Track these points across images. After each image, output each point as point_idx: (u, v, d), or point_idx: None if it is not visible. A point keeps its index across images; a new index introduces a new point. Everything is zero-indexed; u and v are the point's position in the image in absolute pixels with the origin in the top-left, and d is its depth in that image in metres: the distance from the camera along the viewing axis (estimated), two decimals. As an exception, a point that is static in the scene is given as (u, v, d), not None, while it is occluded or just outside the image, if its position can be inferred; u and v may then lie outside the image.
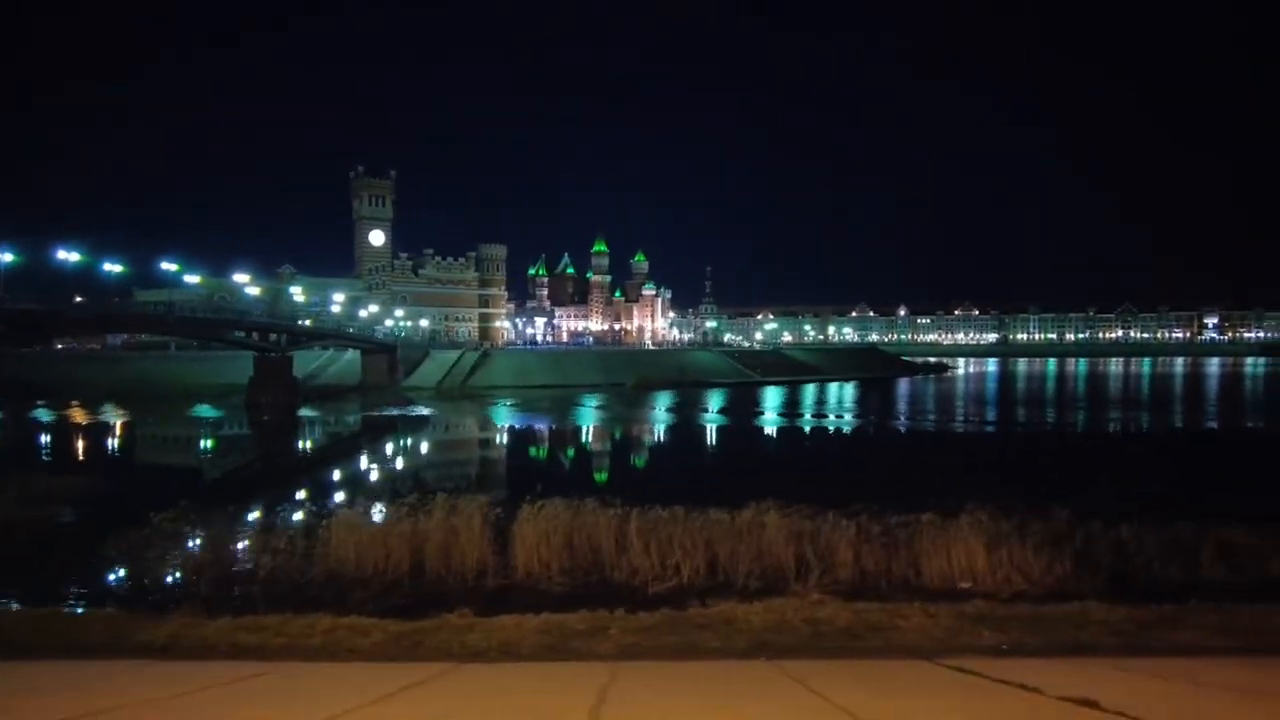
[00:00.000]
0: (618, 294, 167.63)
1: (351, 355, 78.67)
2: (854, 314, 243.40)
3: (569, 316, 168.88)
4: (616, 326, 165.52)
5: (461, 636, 10.91)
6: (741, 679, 8.02)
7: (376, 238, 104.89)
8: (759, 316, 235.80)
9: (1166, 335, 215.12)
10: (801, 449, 43.30)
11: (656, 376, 79.24)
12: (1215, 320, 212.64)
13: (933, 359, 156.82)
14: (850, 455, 41.23)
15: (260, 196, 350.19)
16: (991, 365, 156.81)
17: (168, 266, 61.41)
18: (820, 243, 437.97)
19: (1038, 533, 16.80)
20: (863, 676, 7.99)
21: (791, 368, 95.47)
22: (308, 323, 79.92)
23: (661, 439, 47.54)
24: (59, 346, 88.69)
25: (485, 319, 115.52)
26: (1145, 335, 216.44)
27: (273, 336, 59.56)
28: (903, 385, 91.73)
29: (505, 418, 57.99)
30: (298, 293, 69.03)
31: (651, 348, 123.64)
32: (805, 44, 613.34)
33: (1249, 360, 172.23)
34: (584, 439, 47.67)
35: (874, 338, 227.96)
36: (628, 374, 79.55)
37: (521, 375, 78.88)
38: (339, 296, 77.54)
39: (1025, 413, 61.43)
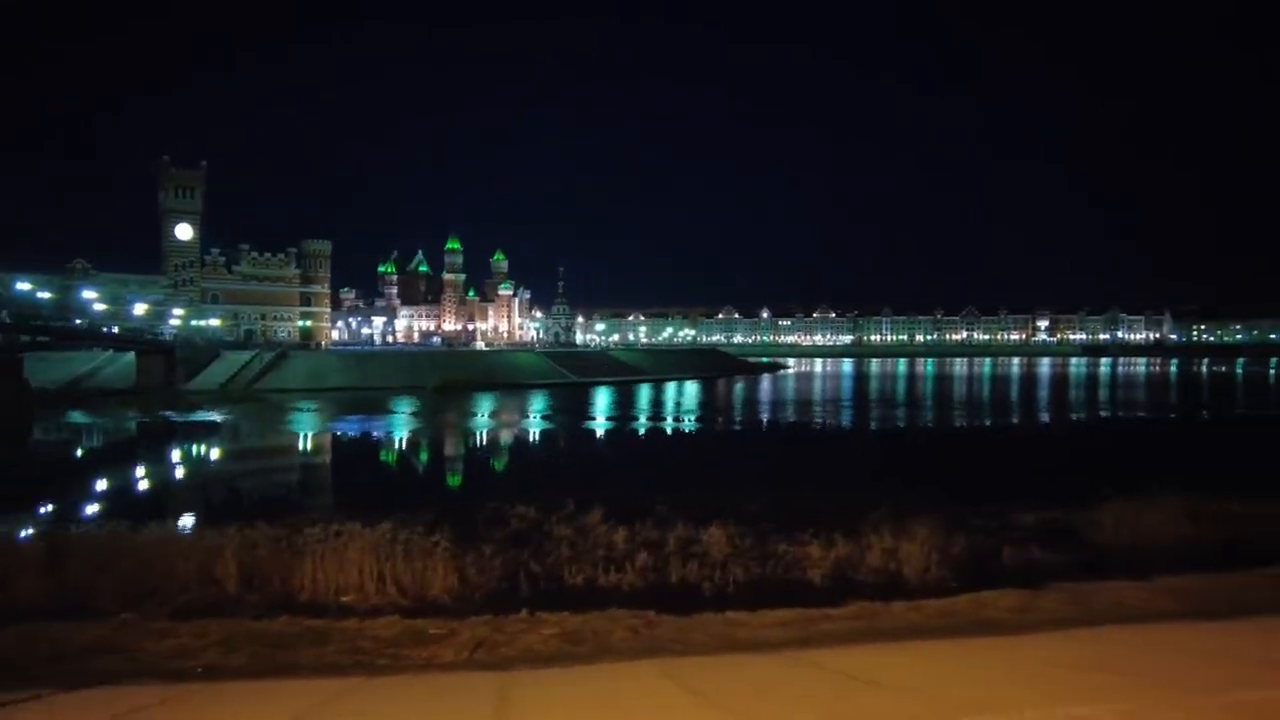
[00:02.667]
0: (471, 293, 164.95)
1: (131, 357, 73.65)
2: (720, 316, 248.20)
3: (421, 316, 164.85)
4: (470, 327, 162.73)
5: None
6: None
7: (184, 231, 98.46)
8: (630, 318, 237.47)
9: (1005, 337, 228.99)
10: (521, 455, 43.00)
11: (461, 378, 77.60)
12: (1046, 323, 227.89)
13: (772, 359, 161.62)
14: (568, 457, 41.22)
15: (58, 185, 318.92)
16: (847, 366, 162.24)
17: None
18: (698, 247, 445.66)
19: (480, 543, 16.66)
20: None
21: (614, 369, 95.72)
22: (87, 323, 74.34)
23: (413, 448, 46.03)
24: None
25: (308, 318, 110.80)
26: (986, 337, 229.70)
27: (-6, 336, 54.64)
28: (727, 386, 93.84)
29: (269, 423, 55.34)
30: (25, 287, 63.50)
31: (482, 348, 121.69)
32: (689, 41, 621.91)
33: (1073, 360, 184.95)
34: (327, 450, 45.55)
35: (739, 339, 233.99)
36: (433, 376, 77.64)
37: (316, 378, 75.72)
38: (90, 294, 72.24)
39: (798, 411, 63.59)
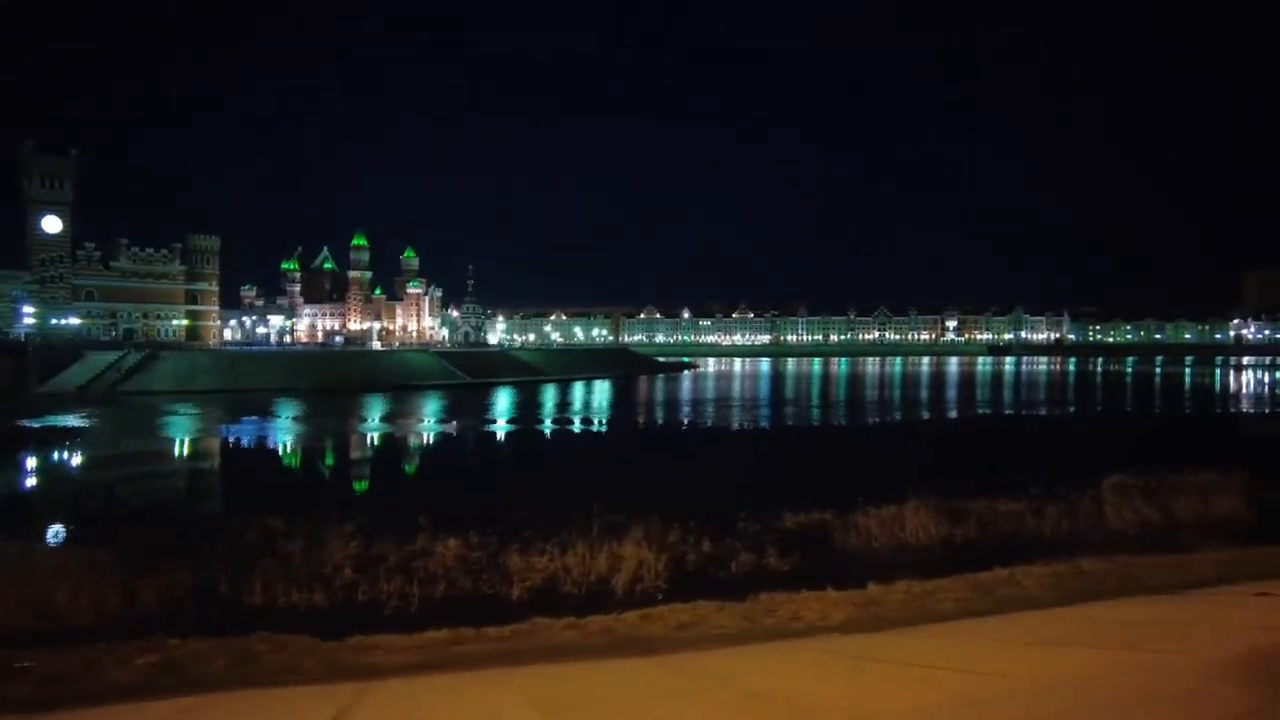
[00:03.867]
0: (378, 291, 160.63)
1: (-21, 357, 69.05)
2: (642, 316, 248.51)
3: (325, 315, 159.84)
4: (377, 326, 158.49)
5: None
6: None
7: (52, 224, 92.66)
8: (553, 317, 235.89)
9: (915, 337, 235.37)
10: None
11: (340, 380, 75.16)
12: (955, 323, 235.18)
13: (688, 359, 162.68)
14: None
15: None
16: (764, 365, 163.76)
17: None
18: (622, 246, 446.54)
19: (187, 558, 15.50)
20: None
21: (514, 369, 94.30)
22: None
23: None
24: None
25: (195, 316, 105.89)
26: (897, 337, 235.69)
27: None
28: (632, 386, 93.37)
29: (125, 429, 52.21)
30: None
31: (377, 348, 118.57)
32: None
33: (980, 359, 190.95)
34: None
35: (660, 339, 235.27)
36: (309, 377, 74.89)
37: (186, 379, 72.22)
38: None
39: (689, 412, 63.63)
